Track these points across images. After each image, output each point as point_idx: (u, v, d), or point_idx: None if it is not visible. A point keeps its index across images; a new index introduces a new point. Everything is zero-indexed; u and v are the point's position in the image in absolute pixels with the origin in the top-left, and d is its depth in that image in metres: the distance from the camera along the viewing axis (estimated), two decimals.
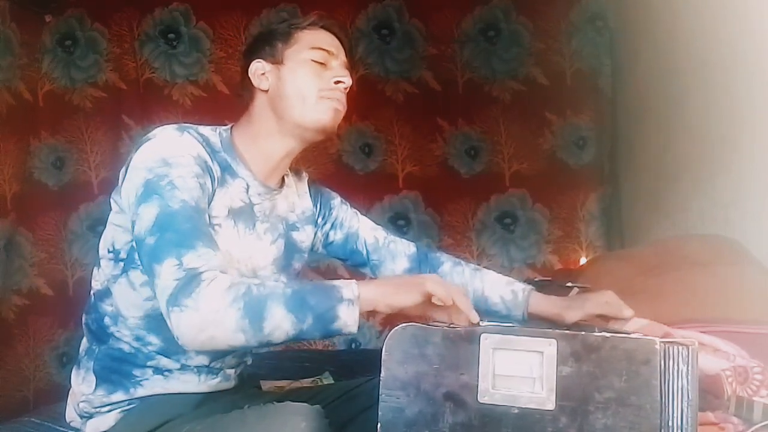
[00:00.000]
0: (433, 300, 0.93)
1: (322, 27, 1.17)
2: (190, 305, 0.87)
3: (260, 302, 0.89)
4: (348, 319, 0.90)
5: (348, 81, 1.14)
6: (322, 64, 1.13)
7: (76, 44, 2.48)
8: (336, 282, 0.93)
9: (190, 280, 0.89)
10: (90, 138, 2.49)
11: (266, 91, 1.13)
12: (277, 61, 1.14)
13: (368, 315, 0.95)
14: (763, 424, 0.98)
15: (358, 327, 0.91)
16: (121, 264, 1.06)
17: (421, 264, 1.32)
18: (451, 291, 0.94)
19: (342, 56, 1.16)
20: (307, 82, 1.12)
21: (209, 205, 1.04)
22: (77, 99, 2.48)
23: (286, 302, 0.89)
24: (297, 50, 1.13)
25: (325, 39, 1.15)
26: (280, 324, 0.89)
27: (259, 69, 1.14)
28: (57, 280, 2.43)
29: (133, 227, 0.97)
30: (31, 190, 2.35)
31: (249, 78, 1.15)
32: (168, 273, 0.90)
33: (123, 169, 1.04)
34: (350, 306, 0.90)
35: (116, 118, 2.49)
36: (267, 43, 1.16)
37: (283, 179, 1.21)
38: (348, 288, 0.91)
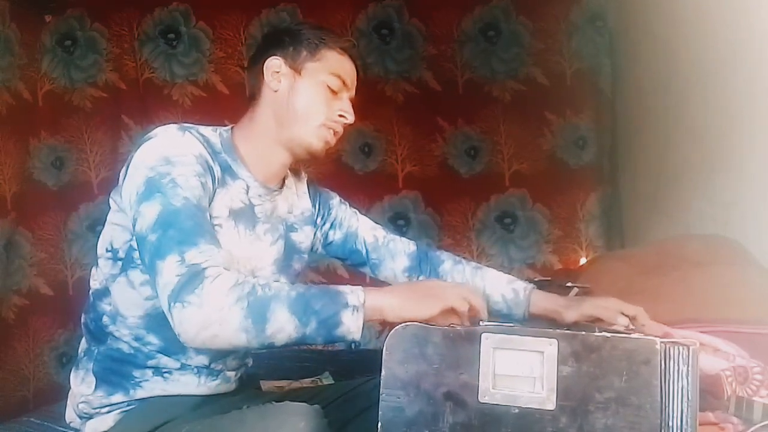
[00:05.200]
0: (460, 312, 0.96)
1: (350, 55, 1.16)
2: (194, 301, 0.87)
3: (264, 303, 0.88)
4: (351, 326, 0.90)
5: (351, 119, 1.15)
6: (334, 92, 1.14)
7: (75, 44, 2.47)
8: (342, 287, 0.93)
9: (194, 276, 0.88)
10: (90, 138, 2.48)
11: (276, 91, 1.13)
12: (296, 67, 1.13)
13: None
14: (763, 424, 0.98)
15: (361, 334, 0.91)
16: (120, 263, 1.06)
17: (421, 263, 1.32)
18: (470, 297, 0.97)
19: (353, 92, 1.17)
20: (318, 106, 1.12)
21: (210, 205, 1.04)
22: (77, 99, 2.48)
23: (290, 305, 0.89)
24: (318, 68, 1.13)
25: (346, 68, 1.16)
26: (283, 326, 0.88)
27: (275, 66, 1.13)
28: (57, 280, 2.42)
29: (134, 226, 0.96)
30: (30, 190, 2.34)
31: (263, 70, 1.13)
32: (170, 269, 0.89)
33: (123, 169, 1.04)
34: (354, 313, 0.90)
35: (116, 118, 2.49)
36: (292, 44, 1.14)
37: (283, 180, 1.21)
38: (353, 294, 0.91)
